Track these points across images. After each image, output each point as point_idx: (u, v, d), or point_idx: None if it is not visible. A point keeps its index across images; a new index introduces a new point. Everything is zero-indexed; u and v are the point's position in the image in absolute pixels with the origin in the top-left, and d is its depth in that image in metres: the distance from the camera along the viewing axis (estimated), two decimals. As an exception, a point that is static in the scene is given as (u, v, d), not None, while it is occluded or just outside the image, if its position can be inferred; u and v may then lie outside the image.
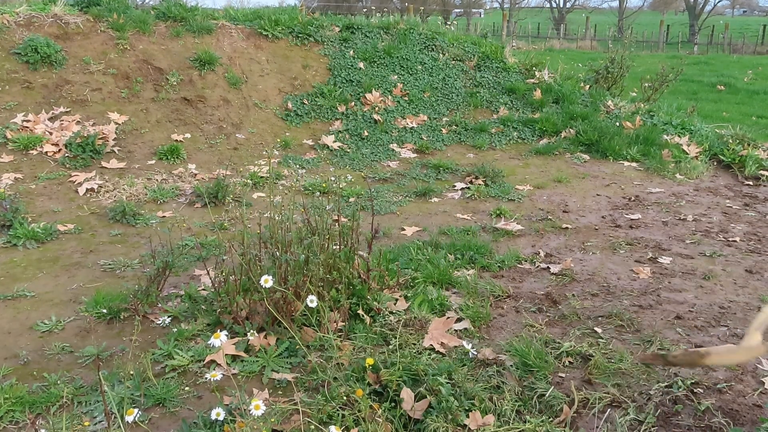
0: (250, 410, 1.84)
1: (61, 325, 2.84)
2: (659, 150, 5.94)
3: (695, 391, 2.37)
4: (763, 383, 2.41)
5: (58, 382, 2.40)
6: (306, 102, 6.53)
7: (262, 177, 5.07)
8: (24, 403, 2.24)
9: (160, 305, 2.99)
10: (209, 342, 2.11)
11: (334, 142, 6.07)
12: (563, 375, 2.46)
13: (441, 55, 7.50)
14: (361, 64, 7.06)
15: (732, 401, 2.30)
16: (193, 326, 2.79)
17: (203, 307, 2.94)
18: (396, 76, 7.05)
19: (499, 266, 3.53)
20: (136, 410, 1.89)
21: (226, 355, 2.54)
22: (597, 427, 2.16)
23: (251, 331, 2.60)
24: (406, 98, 6.88)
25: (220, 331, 2.08)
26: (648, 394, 2.34)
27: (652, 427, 2.15)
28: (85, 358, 2.58)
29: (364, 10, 28.78)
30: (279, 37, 7.03)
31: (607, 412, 2.22)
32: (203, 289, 3.14)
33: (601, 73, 8.09)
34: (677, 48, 25.53)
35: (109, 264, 3.52)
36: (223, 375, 2.45)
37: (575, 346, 2.63)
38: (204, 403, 2.31)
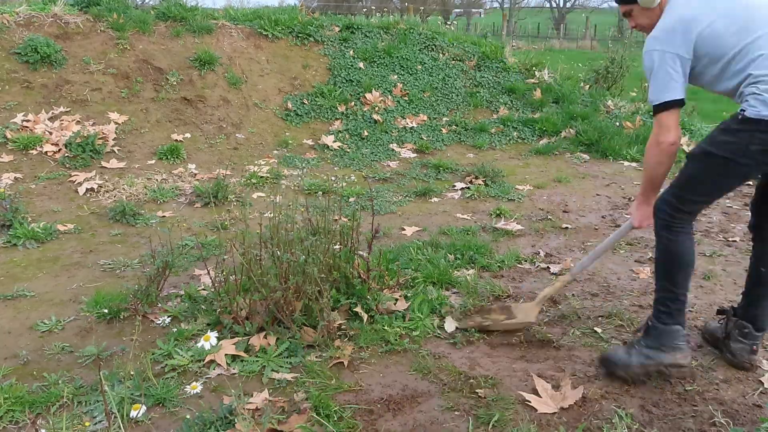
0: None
1: (61, 325, 2.84)
2: (659, 150, 5.93)
3: (695, 390, 2.37)
4: (763, 383, 2.41)
5: (58, 382, 2.40)
6: (306, 102, 6.53)
7: (262, 177, 5.07)
8: (24, 402, 2.24)
9: (160, 305, 2.99)
10: (199, 344, 2.11)
11: (334, 141, 6.07)
12: (563, 375, 2.46)
13: (441, 55, 7.50)
14: (361, 64, 7.06)
15: (732, 401, 2.30)
16: (193, 326, 2.78)
17: (203, 307, 2.94)
18: (396, 76, 7.05)
19: (499, 266, 3.53)
20: (142, 406, 1.88)
21: (226, 354, 2.54)
22: (597, 426, 2.16)
23: (251, 330, 2.60)
24: (406, 98, 6.88)
25: (214, 331, 2.07)
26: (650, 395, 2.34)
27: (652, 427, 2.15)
28: (85, 358, 2.58)
29: (364, 10, 28.80)
30: (279, 37, 7.03)
31: (606, 412, 2.22)
32: (203, 289, 3.15)
33: (601, 73, 8.10)
34: (677, 48, 25.44)
35: (109, 264, 3.52)
36: (223, 375, 2.45)
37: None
38: (204, 403, 2.30)
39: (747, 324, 2.46)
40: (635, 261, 3.68)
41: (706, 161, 2.28)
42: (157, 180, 4.93)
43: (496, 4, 43.10)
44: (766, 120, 2.08)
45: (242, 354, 2.56)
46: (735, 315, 2.52)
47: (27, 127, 5.19)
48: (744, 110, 2.13)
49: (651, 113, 2.16)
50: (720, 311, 2.64)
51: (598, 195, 4.99)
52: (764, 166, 2.23)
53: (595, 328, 2.83)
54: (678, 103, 2.22)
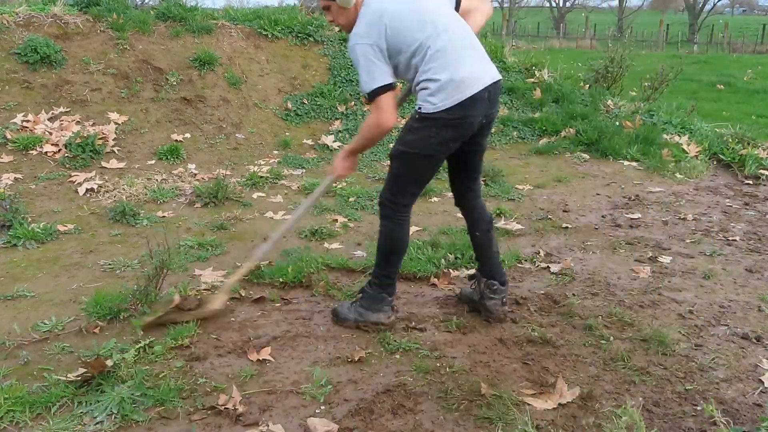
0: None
1: (61, 325, 2.84)
2: (659, 149, 5.93)
3: (696, 390, 2.37)
4: (763, 383, 2.41)
5: (59, 382, 2.39)
6: (306, 102, 6.52)
7: (262, 177, 5.06)
8: (24, 403, 2.23)
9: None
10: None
11: (334, 141, 6.07)
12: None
13: (441, 55, 7.49)
14: (361, 64, 7.06)
15: (732, 400, 2.30)
16: (193, 326, 2.78)
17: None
18: (396, 76, 7.05)
19: (499, 266, 3.52)
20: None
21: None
22: (597, 425, 2.16)
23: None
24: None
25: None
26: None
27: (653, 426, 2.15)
28: (85, 358, 2.57)
29: (364, 9, 28.71)
30: (279, 36, 7.02)
31: (607, 410, 2.22)
32: (205, 289, 3.15)
33: (600, 72, 8.08)
34: (677, 47, 25.55)
35: (109, 264, 3.52)
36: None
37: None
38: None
39: (494, 281, 2.83)
40: (635, 260, 3.68)
41: (403, 160, 2.59)
42: (157, 180, 4.92)
43: (495, 4, 43.11)
44: (436, 116, 2.43)
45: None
46: (483, 276, 2.86)
47: (27, 127, 5.18)
48: (420, 107, 2.47)
49: (368, 99, 2.54)
50: (470, 277, 3.01)
51: (598, 194, 4.99)
52: (448, 152, 2.58)
53: (596, 328, 2.83)
54: (390, 87, 2.46)
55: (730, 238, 4.03)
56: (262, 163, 5.51)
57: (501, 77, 2.57)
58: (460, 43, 2.49)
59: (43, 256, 3.63)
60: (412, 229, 4.13)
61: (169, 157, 5.31)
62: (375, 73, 2.44)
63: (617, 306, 3.06)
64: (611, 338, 2.75)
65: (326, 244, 3.84)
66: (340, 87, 6.75)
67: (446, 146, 2.53)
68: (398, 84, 2.44)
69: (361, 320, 2.77)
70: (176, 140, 5.56)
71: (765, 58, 19.67)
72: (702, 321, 2.93)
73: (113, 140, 5.30)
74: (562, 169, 5.62)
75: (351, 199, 4.72)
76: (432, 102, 2.43)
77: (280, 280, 3.23)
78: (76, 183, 4.69)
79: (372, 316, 2.76)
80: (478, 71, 2.48)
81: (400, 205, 2.65)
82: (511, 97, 7.19)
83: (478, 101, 2.45)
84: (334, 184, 2.84)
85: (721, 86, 12.27)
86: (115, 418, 2.18)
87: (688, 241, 4.00)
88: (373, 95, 2.47)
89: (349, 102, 6.63)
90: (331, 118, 6.45)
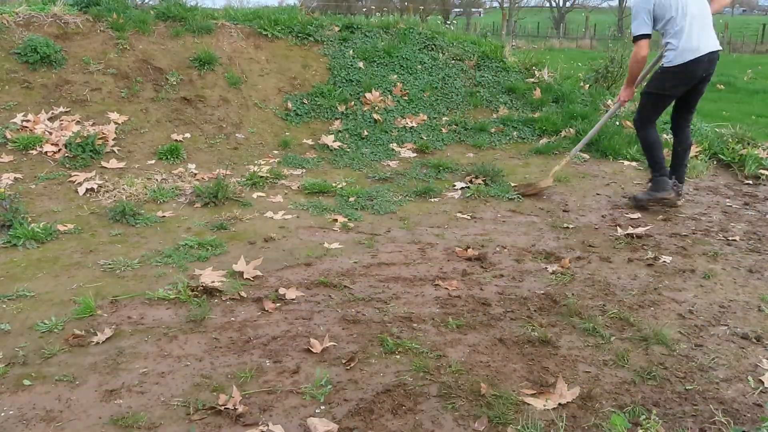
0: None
1: (61, 325, 2.84)
2: (659, 149, 5.92)
3: (695, 389, 2.37)
4: (763, 382, 2.41)
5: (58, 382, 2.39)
6: (306, 102, 6.52)
7: (262, 177, 5.06)
8: (24, 403, 2.24)
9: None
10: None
11: (334, 141, 6.07)
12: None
13: (441, 55, 7.50)
14: (361, 64, 7.06)
15: (732, 400, 2.31)
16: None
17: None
18: (396, 76, 7.05)
19: (499, 266, 3.52)
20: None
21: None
22: (596, 425, 2.16)
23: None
24: (406, 98, 6.88)
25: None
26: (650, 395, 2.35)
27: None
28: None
29: (364, 9, 28.80)
30: (279, 36, 7.02)
31: (607, 410, 2.23)
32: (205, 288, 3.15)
33: (600, 72, 8.08)
34: (677, 47, 25.45)
35: (109, 264, 3.52)
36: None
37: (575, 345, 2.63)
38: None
39: (675, 180, 4.56)
40: (635, 260, 3.68)
41: (648, 96, 4.46)
42: (157, 180, 4.92)
43: (495, 4, 43.08)
44: (670, 69, 4.22)
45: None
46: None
47: (27, 127, 5.18)
48: (663, 64, 4.29)
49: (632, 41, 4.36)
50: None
51: (598, 194, 4.99)
52: (677, 94, 4.37)
53: (596, 328, 2.83)
54: (648, 36, 4.25)
55: (730, 238, 4.03)
56: (262, 163, 5.51)
57: (720, 48, 4.24)
58: (699, 23, 4.15)
59: (43, 256, 3.63)
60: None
61: (169, 157, 5.31)
62: (642, 27, 4.22)
63: (617, 306, 3.06)
64: (611, 338, 2.75)
65: (326, 244, 3.84)
66: (339, 87, 6.75)
67: (676, 89, 4.30)
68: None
69: (651, 198, 4.48)
70: (176, 140, 5.56)
71: (765, 58, 19.68)
72: (702, 321, 2.93)
73: (113, 140, 5.30)
74: (562, 169, 5.61)
75: (351, 199, 4.72)
76: (669, 60, 4.18)
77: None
78: (76, 183, 4.69)
79: (660, 194, 4.46)
80: (703, 44, 4.14)
81: (646, 121, 4.50)
82: (511, 97, 7.19)
83: (699, 62, 4.13)
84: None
85: (721, 86, 12.27)
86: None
87: (688, 241, 4.00)
88: (637, 39, 4.24)
89: (349, 102, 6.63)
90: (330, 118, 6.45)
